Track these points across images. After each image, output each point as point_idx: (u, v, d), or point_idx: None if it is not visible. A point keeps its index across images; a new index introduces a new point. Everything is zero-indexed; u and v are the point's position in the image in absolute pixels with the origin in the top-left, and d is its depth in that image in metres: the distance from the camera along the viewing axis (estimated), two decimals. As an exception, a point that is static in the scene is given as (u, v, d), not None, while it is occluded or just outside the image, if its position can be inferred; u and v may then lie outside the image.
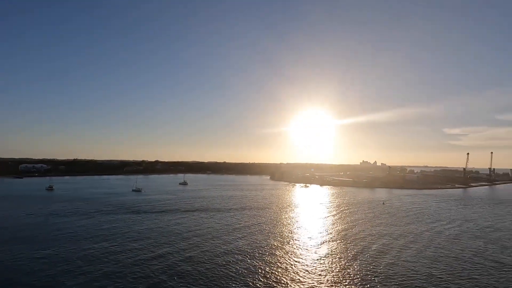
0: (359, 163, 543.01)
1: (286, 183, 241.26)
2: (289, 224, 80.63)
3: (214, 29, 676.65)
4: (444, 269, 47.26)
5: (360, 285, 40.91)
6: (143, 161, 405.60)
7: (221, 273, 44.48)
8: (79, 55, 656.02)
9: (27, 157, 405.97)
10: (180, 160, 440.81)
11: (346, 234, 69.34)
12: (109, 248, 55.30)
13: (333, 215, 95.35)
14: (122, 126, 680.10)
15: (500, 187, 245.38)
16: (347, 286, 40.64)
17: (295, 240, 64.31)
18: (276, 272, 45.22)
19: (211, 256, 51.70)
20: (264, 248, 57.40)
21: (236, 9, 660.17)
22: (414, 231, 73.53)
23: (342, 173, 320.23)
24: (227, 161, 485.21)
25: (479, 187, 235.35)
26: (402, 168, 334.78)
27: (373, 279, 42.59)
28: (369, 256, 53.13)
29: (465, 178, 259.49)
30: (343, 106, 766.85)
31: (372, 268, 47.02)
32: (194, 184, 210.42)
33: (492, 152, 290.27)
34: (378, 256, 52.82)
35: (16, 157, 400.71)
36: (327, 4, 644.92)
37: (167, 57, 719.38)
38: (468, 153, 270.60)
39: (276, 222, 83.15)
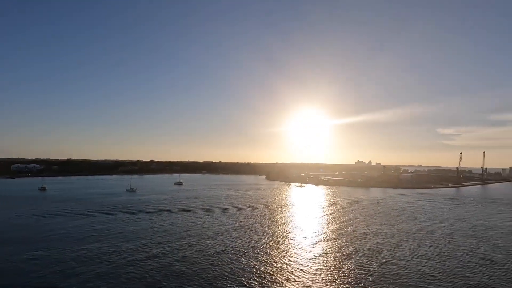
0: (354, 163, 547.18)
1: (281, 182, 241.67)
2: (284, 224, 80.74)
3: (212, 28, 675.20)
4: (437, 267, 47.76)
5: (354, 283, 41.13)
6: (137, 161, 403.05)
7: (216, 273, 44.35)
8: (72, 54, 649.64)
9: (19, 157, 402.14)
10: (175, 160, 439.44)
11: (340, 233, 69.67)
12: (102, 248, 54.78)
13: (328, 215, 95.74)
14: (117, 126, 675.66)
15: (492, 186, 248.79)
16: (341, 285, 40.83)
17: (290, 239, 64.42)
18: (271, 272, 45.23)
19: (206, 256, 51.54)
20: (259, 247, 57.38)
21: (236, 9, 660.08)
22: (407, 230, 74.16)
23: (337, 173, 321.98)
24: (222, 161, 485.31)
25: (471, 186, 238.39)
26: (397, 168, 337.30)
27: (367, 278, 42.85)
28: (364, 255, 53.46)
29: (458, 177, 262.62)
30: (339, 106, 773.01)
31: (366, 267, 47.31)
32: (189, 184, 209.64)
33: (484, 152, 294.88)
34: (372, 255, 53.16)
35: (8, 157, 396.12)
36: (327, 4, 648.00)
37: (162, 56, 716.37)
38: (461, 153, 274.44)
39: (271, 221, 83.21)
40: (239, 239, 63.40)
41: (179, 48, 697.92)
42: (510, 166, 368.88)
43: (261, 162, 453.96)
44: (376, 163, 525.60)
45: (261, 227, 75.59)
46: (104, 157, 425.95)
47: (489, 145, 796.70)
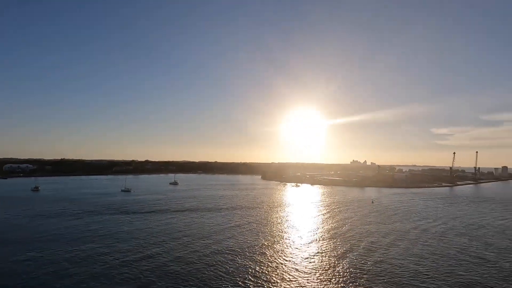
0: (349, 163, 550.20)
1: (277, 182, 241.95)
2: (279, 223, 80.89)
3: (211, 27, 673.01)
4: (430, 266, 48.26)
5: (349, 282, 41.38)
6: (132, 161, 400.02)
7: (211, 273, 44.28)
8: (66, 54, 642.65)
9: (11, 157, 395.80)
10: (170, 159, 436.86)
11: (335, 233, 70.01)
12: (96, 249, 54.34)
13: (323, 214, 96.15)
14: (112, 125, 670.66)
15: (485, 185, 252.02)
16: (336, 284, 41.05)
17: (285, 239, 64.57)
18: (266, 272, 45.29)
19: (201, 256, 51.42)
20: (254, 247, 57.41)
21: (236, 8, 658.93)
22: (401, 229, 74.82)
23: (333, 172, 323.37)
24: (218, 160, 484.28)
25: (465, 185, 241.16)
26: (391, 168, 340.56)
27: (362, 277, 43.14)
28: (358, 254, 53.81)
29: (452, 177, 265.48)
30: (334, 106, 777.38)
31: (361, 266, 47.63)
32: (185, 184, 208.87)
33: (477, 152, 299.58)
34: (367, 254, 53.54)
35: (0, 157, 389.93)
36: (327, 4, 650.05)
37: (159, 56, 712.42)
38: (454, 153, 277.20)
39: (267, 221, 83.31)
40: (234, 239, 63.38)
41: (176, 47, 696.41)
42: (502, 165, 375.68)
43: (257, 162, 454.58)
44: (371, 162, 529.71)
45: (256, 226, 75.64)
46: (98, 157, 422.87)
47: (482, 145, 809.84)
